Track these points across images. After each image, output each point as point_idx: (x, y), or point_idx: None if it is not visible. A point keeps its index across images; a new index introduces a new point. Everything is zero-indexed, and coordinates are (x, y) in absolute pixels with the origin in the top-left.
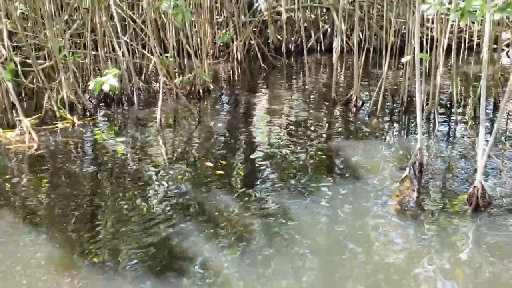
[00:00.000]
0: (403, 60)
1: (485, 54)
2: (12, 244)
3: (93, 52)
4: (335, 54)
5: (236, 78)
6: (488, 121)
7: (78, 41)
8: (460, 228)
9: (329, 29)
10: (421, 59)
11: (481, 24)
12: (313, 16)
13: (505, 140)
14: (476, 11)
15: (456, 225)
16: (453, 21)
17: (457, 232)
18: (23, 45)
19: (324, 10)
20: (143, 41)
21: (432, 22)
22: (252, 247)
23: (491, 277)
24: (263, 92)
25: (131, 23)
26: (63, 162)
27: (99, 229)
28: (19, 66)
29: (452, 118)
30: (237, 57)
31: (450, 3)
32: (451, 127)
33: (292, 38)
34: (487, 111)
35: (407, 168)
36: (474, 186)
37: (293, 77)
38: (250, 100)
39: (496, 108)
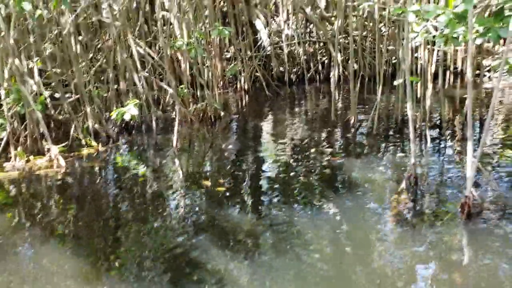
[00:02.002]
0: (395, 83)
1: (469, 73)
2: (42, 258)
3: (115, 86)
4: (332, 83)
5: (243, 106)
6: (475, 136)
7: (102, 78)
8: (454, 234)
9: (326, 61)
10: (411, 83)
11: (465, 52)
12: (311, 50)
13: (492, 153)
14: (458, 37)
15: (450, 232)
16: (438, 48)
17: (452, 238)
18: (52, 81)
19: (322, 44)
20: (161, 75)
21: (420, 52)
22: (262, 257)
23: (487, 280)
24: (268, 117)
25: (150, 59)
26: (88, 184)
27: (122, 244)
28: (48, 100)
29: (442, 135)
30: (244, 87)
31: (436, 30)
32: (441, 143)
33: (294, 70)
34: (474, 128)
35: (403, 181)
36: (466, 196)
37: (296, 103)
38: (257, 124)
39: (482, 125)
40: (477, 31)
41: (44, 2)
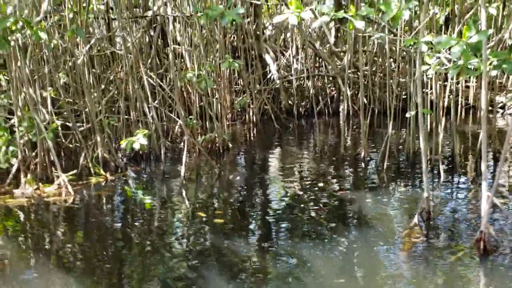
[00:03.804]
0: (407, 115)
1: (483, 105)
2: (48, 287)
3: (126, 116)
4: (342, 117)
5: (252, 138)
6: (489, 170)
7: (113, 108)
8: (470, 271)
9: (335, 95)
10: (423, 115)
11: (476, 89)
12: (320, 84)
13: (507, 187)
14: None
15: (465, 269)
16: (451, 81)
17: (467, 276)
18: (64, 110)
19: (331, 78)
20: (170, 106)
21: (431, 88)
22: None
23: None
24: (277, 149)
25: (160, 90)
26: (95, 213)
27: (127, 275)
28: (59, 129)
29: (455, 169)
30: (253, 120)
31: (449, 62)
32: (455, 177)
33: (302, 103)
34: (488, 162)
35: (415, 216)
36: (481, 231)
37: (304, 136)
38: (265, 156)
39: (496, 159)
40: (491, 63)
41: (59, 33)
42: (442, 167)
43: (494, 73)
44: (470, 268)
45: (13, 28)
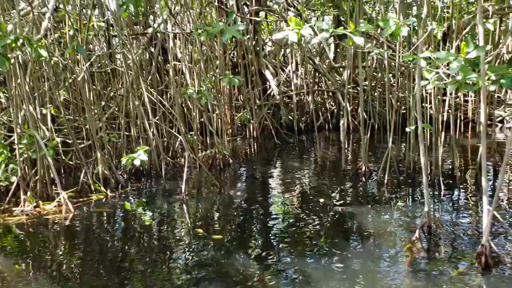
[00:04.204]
0: (407, 129)
1: (482, 119)
2: None
3: (126, 133)
4: (342, 132)
5: (252, 153)
6: (489, 185)
7: (114, 125)
8: (471, 285)
9: (335, 110)
10: (423, 129)
11: (474, 103)
12: (320, 99)
13: (507, 201)
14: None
15: (467, 283)
16: (450, 96)
17: None
18: (64, 127)
19: (331, 94)
20: (171, 122)
21: (430, 102)
22: None
23: None
24: (277, 165)
25: (161, 107)
26: (95, 231)
27: None
28: (60, 146)
29: (455, 183)
30: (253, 135)
31: (448, 77)
32: (455, 191)
33: (303, 118)
34: (488, 176)
35: (417, 230)
36: (482, 245)
37: (305, 151)
38: (265, 171)
39: (496, 173)
40: (489, 78)
41: (60, 50)
42: (442, 181)
43: (493, 88)
44: (472, 283)
45: (14, 45)
